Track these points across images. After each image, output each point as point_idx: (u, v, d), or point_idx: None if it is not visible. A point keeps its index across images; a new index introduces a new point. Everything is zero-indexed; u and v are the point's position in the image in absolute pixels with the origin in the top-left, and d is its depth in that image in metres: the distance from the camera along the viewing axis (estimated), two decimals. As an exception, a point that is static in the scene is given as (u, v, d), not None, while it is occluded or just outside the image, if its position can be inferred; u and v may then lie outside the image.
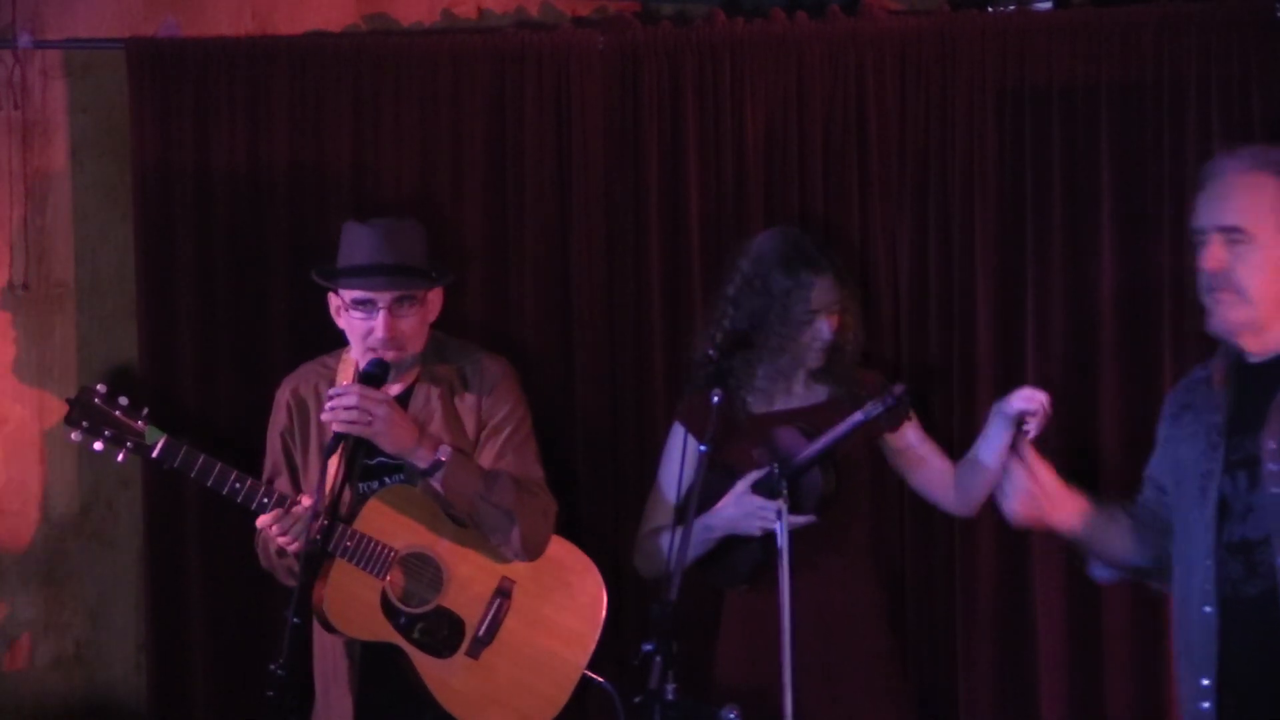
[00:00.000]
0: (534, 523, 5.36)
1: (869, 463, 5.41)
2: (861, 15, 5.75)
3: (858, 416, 5.13)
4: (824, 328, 5.33)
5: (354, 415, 5.19)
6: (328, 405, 5.23)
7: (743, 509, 5.25)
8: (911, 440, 5.43)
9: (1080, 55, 5.62)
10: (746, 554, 5.31)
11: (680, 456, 5.17)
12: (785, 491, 5.04)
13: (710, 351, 5.15)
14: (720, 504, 5.29)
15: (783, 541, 4.97)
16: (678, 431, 5.41)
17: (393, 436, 5.24)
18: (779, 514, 5.01)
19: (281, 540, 5.26)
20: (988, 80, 5.67)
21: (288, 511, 5.24)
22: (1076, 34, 5.63)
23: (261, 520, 5.29)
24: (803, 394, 5.41)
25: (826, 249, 5.41)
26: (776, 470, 5.08)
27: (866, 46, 5.71)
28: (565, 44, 5.81)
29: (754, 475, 5.25)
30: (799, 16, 5.77)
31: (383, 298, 5.30)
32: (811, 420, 5.28)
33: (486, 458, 5.41)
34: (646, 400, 5.79)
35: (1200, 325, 5.46)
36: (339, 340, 5.53)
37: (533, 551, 5.36)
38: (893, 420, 5.33)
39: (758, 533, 5.22)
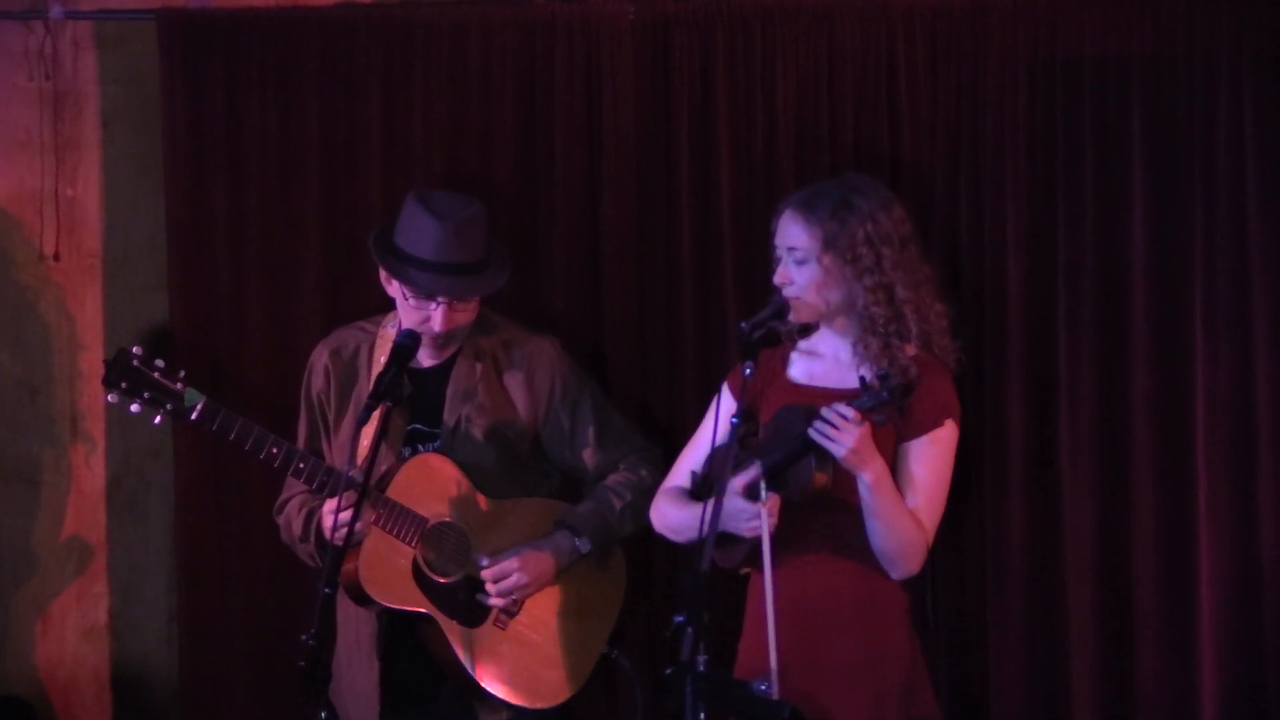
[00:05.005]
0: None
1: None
2: (893, -14, 5.74)
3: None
4: None
5: None
6: None
7: (728, 510, 4.94)
8: (911, 459, 5.03)
9: (1112, 29, 5.59)
10: (743, 540, 5.07)
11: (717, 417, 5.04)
12: (766, 496, 4.83)
13: (743, 325, 4.99)
14: None
15: (766, 549, 4.79)
16: (722, 392, 5.20)
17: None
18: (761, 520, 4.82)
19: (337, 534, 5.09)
20: (1019, 53, 5.64)
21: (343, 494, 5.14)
22: (1108, 7, 5.60)
23: (329, 505, 5.21)
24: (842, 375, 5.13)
25: None
26: (760, 471, 4.87)
27: (898, 18, 5.69)
28: (595, 15, 5.79)
29: (747, 475, 4.98)
30: (830, -12, 5.77)
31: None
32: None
33: (590, 455, 5.48)
34: (677, 373, 5.77)
35: (1231, 300, 5.49)
36: (370, 309, 5.55)
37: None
38: (879, 414, 4.83)
39: (747, 535, 4.97)
